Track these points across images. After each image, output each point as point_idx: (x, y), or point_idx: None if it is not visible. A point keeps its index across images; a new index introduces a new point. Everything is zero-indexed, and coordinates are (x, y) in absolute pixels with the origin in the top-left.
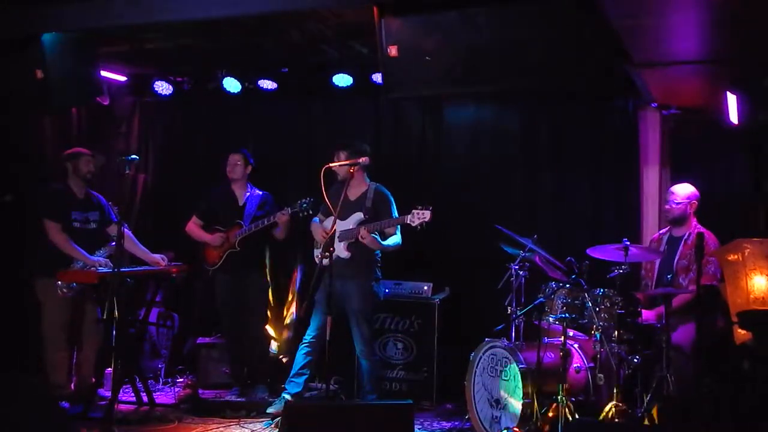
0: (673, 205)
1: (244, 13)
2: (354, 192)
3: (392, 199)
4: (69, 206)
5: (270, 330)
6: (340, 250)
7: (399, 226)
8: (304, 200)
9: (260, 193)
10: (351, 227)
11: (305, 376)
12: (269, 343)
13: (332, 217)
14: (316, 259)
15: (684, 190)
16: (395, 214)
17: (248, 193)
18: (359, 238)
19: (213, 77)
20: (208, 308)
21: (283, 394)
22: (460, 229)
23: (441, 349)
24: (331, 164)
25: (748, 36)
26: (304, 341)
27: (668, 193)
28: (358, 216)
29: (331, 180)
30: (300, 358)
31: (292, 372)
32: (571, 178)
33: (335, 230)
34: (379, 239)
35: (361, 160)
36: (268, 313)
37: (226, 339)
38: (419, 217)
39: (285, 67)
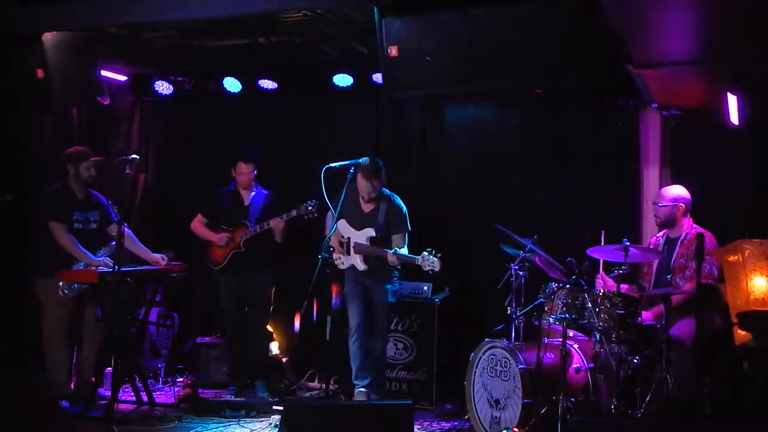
0: (658, 208)
1: (245, 13)
2: (367, 204)
3: (406, 213)
4: (70, 207)
5: (271, 329)
6: (357, 262)
7: (407, 237)
8: (308, 202)
9: (265, 192)
10: (363, 242)
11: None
12: (270, 343)
13: (342, 220)
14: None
15: (670, 192)
16: (408, 226)
17: (254, 193)
18: (389, 262)
19: (213, 77)
20: (208, 308)
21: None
22: (460, 229)
23: (441, 349)
24: (330, 164)
25: (747, 36)
26: (351, 335)
27: (657, 195)
28: (369, 232)
29: (334, 180)
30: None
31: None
32: (571, 178)
33: (349, 239)
34: (403, 253)
35: (360, 161)
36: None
37: (229, 339)
38: (429, 263)
39: (285, 68)
